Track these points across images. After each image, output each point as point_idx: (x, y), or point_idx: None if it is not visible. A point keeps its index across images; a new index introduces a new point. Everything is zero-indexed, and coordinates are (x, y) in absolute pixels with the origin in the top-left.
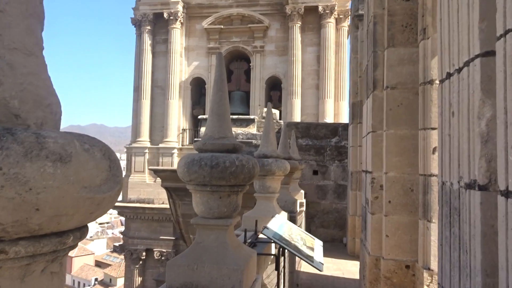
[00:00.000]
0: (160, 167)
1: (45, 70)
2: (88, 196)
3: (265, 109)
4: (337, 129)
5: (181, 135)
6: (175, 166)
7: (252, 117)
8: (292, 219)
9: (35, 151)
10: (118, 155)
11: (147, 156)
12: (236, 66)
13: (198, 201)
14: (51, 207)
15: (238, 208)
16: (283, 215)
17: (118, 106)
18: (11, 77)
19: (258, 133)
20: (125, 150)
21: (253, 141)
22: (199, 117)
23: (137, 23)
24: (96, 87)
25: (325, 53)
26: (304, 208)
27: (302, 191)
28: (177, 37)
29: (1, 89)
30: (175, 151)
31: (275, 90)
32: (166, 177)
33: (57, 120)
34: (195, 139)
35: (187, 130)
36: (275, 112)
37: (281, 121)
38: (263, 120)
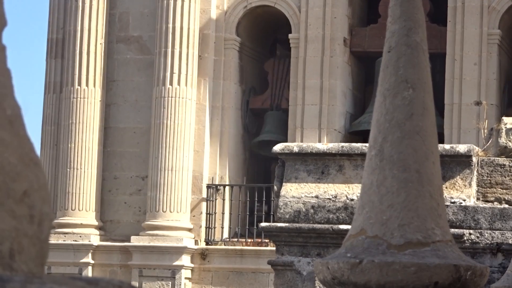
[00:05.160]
0: None
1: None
2: None
3: (507, 121)
4: None
5: (205, 204)
6: None
7: (462, 147)
8: None
9: None
10: None
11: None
12: None
13: None
14: None
15: None
16: None
17: None
18: None
19: (481, 204)
20: None
21: (465, 232)
22: (277, 149)
23: None
24: None
25: None
26: None
27: None
28: None
29: None
30: (184, 260)
31: None
32: None
33: (44, 238)
34: (264, 224)
35: (223, 189)
36: None
37: None
38: (503, 162)
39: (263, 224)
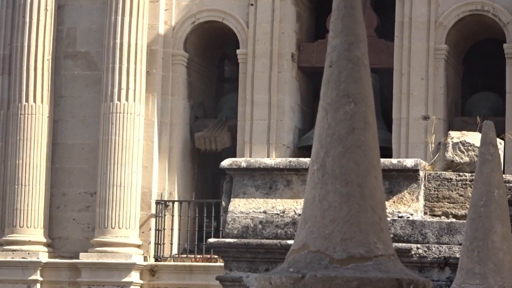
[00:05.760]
0: None
1: None
2: None
3: (453, 136)
4: None
5: (154, 220)
6: None
7: (409, 161)
8: None
9: None
10: None
11: None
12: None
13: None
14: None
15: None
16: None
17: None
18: None
19: (428, 219)
20: None
21: (413, 247)
22: (224, 164)
23: None
24: None
25: None
26: None
27: None
28: None
29: None
30: (133, 276)
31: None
32: None
33: None
34: (212, 240)
35: (172, 205)
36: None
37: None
38: (450, 176)
39: (211, 240)
